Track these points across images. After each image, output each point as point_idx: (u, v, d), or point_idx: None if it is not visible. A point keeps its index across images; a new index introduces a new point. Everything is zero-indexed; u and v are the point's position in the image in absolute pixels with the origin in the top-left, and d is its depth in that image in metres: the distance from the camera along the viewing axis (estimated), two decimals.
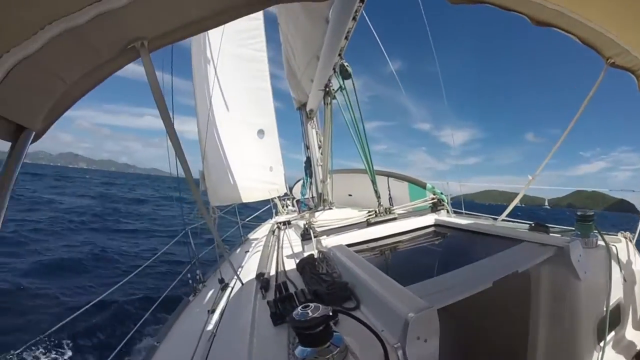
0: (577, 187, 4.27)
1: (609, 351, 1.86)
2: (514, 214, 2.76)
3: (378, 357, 1.09)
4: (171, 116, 1.43)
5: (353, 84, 3.26)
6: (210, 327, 2.21)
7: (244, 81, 5.51)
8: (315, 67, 3.53)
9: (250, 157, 5.58)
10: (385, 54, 4.12)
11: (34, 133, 0.83)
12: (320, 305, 1.04)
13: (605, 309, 1.84)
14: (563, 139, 2.49)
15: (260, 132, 5.84)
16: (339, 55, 3.06)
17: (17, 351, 1.64)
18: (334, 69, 3.26)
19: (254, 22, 5.46)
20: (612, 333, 1.94)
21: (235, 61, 5.25)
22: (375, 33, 3.84)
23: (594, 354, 1.80)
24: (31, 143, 0.84)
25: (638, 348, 1.92)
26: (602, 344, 1.79)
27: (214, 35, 4.76)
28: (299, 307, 1.05)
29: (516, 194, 2.85)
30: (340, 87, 3.32)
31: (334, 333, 1.06)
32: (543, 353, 1.86)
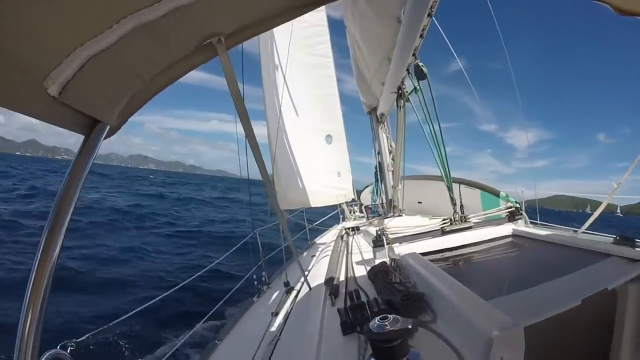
0: None
1: None
2: (585, 221, 2.59)
3: None
4: (248, 113, 1.40)
5: (429, 85, 3.07)
6: (273, 330, 2.21)
7: (312, 88, 5.56)
8: (387, 69, 3.41)
9: (319, 163, 5.60)
10: (454, 52, 3.87)
11: (108, 127, 0.82)
12: (400, 318, 0.97)
13: None
14: None
15: (329, 138, 5.86)
16: (414, 55, 2.91)
17: (79, 339, 1.71)
18: (407, 70, 3.12)
19: (320, 28, 5.49)
20: None
21: (302, 68, 5.31)
22: (442, 31, 3.63)
23: None
24: (105, 138, 0.83)
25: None
26: None
27: (281, 42, 4.85)
28: (377, 319, 0.98)
29: (587, 200, 2.54)
30: (415, 88, 3.16)
31: (411, 348, 0.98)
32: None
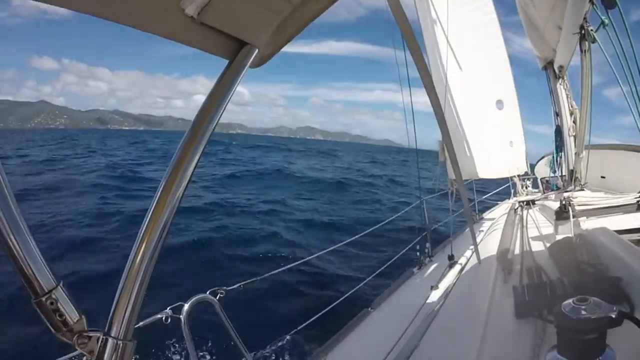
0: None
1: None
2: None
3: None
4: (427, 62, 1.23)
5: (621, 14, 2.39)
6: (431, 303, 2.10)
7: (477, 48, 5.02)
8: (564, 5, 2.81)
9: (489, 130, 5.06)
10: None
11: (256, 52, 0.75)
12: (602, 303, 0.79)
13: None
14: None
15: (499, 103, 5.22)
16: None
17: (230, 287, 1.88)
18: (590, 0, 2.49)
19: None
20: None
21: (464, 27, 4.82)
22: None
23: None
24: (253, 66, 0.77)
25: None
26: None
27: (439, 2, 4.47)
28: (572, 299, 0.81)
29: None
30: (603, 22, 2.51)
31: (606, 347, 0.78)
32: None
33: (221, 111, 0.71)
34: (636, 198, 2.41)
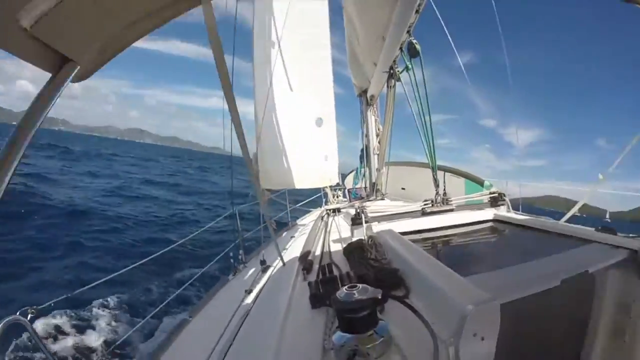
0: None
1: None
2: (573, 223, 2.50)
3: (426, 352, 0.98)
4: (231, 80, 1.32)
5: (421, 63, 3.10)
6: (245, 305, 2.19)
7: (305, 67, 5.46)
8: (380, 49, 3.44)
9: (307, 145, 5.53)
10: (453, 45, 3.87)
11: (78, 68, 0.77)
12: (369, 287, 0.94)
13: None
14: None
15: (319, 121, 5.79)
16: (408, 32, 2.95)
17: (41, 306, 1.71)
18: (401, 48, 3.15)
19: (318, 6, 5.40)
20: None
21: (297, 46, 5.21)
22: (442, 22, 3.64)
23: None
24: (75, 81, 0.79)
25: None
26: None
27: (278, 17, 4.77)
28: (344, 287, 0.95)
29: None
30: (407, 66, 3.20)
31: (379, 321, 0.96)
32: None
33: (39, 123, 0.73)
34: (421, 206, 2.86)
